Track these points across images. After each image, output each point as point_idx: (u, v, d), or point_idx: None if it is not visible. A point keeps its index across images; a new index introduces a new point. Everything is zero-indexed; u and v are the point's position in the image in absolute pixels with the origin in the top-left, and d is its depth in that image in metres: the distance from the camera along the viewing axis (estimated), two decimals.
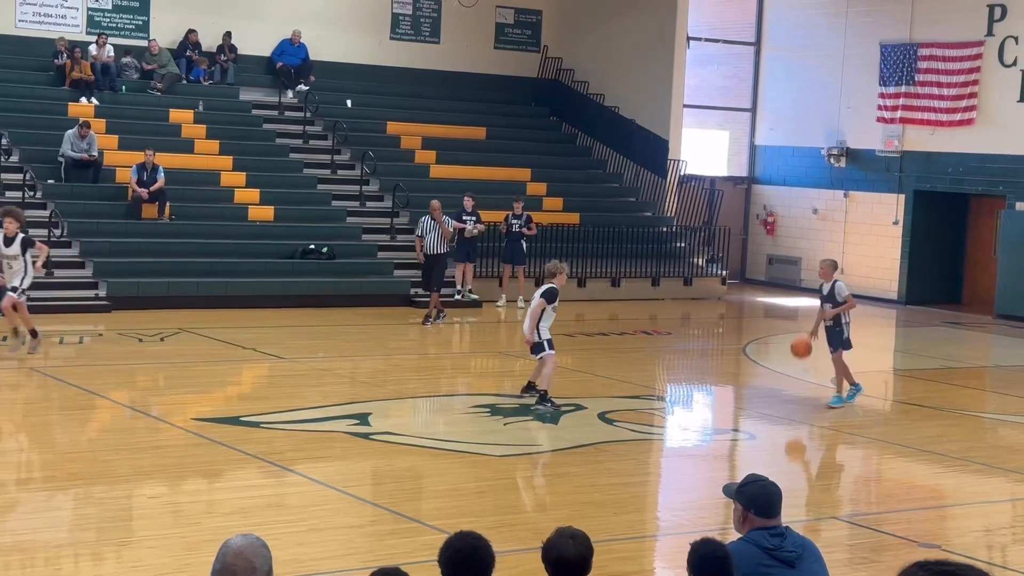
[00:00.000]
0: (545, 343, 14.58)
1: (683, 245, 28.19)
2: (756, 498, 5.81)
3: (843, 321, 15.86)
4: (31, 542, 9.27)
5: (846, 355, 15.79)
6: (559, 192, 28.34)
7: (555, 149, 30.87)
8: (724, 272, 28.29)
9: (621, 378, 17.17)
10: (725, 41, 31.32)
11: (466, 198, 24.02)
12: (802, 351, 15.70)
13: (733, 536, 5.88)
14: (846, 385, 15.84)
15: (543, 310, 14.56)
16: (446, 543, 5.04)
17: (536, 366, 14.98)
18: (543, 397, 14.64)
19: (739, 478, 6.13)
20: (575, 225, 26.78)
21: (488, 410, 14.85)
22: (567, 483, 11.92)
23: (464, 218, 23.71)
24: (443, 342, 21.38)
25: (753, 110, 31.46)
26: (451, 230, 22.47)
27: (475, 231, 23.73)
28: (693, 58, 30.13)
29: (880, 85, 28.02)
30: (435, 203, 22.25)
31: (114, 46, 26.71)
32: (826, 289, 15.94)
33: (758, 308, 27.33)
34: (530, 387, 14.98)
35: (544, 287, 14.81)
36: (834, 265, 16.38)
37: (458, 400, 15.92)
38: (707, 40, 31.00)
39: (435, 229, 21.94)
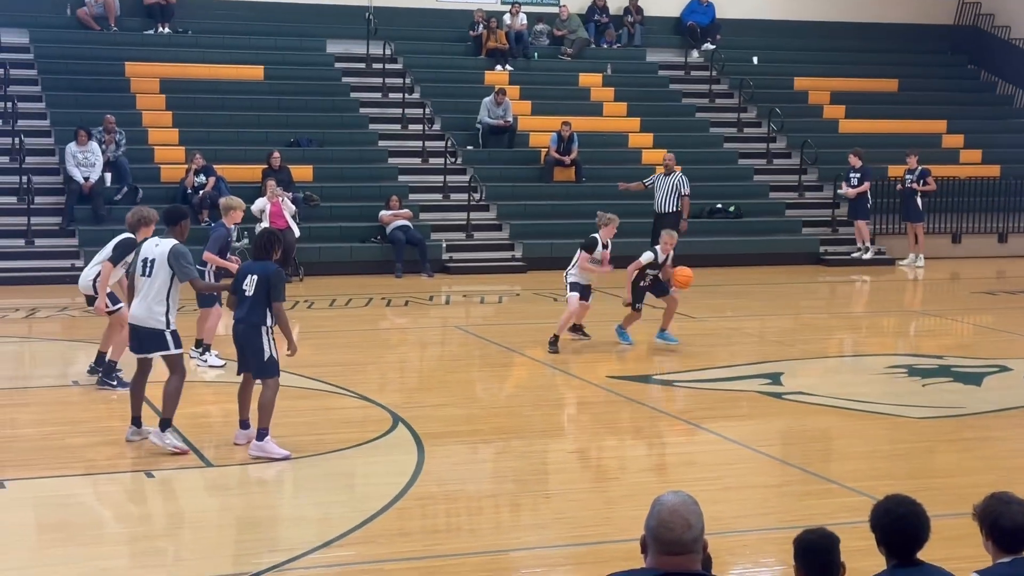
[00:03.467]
0: (568, 286, 15.02)
1: None
2: None
3: None
4: (459, 492, 9.76)
5: None
6: (977, 144, 27.04)
7: (972, 99, 29.46)
8: None
9: None
10: None
11: (851, 156, 23.28)
12: None
13: None
14: None
15: (589, 260, 14.89)
16: (882, 508, 4.90)
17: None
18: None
19: None
20: (994, 178, 25.48)
21: (905, 371, 14.40)
22: (992, 447, 11.42)
23: (850, 175, 22.96)
24: (855, 301, 20.88)
25: None
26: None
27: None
28: None
29: None
30: (669, 154, 21.41)
31: (526, 14, 27.55)
32: None
33: None
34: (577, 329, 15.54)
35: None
36: None
37: (872, 360, 15.51)
38: None
39: (665, 184, 21.07)
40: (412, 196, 23.08)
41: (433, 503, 9.47)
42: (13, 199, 21.35)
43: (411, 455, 10.49)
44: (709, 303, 19.04)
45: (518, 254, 22.64)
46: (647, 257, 15.04)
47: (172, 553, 8.17)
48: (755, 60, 28.73)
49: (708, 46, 28.56)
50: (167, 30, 25.78)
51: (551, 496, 9.82)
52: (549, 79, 27.16)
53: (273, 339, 10.23)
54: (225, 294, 11.28)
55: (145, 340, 10.39)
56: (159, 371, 10.58)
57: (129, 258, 11.50)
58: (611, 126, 25.91)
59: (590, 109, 26.14)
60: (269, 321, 10.17)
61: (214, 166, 21.76)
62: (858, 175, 23.22)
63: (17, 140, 21.71)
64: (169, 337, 10.31)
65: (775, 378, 13.81)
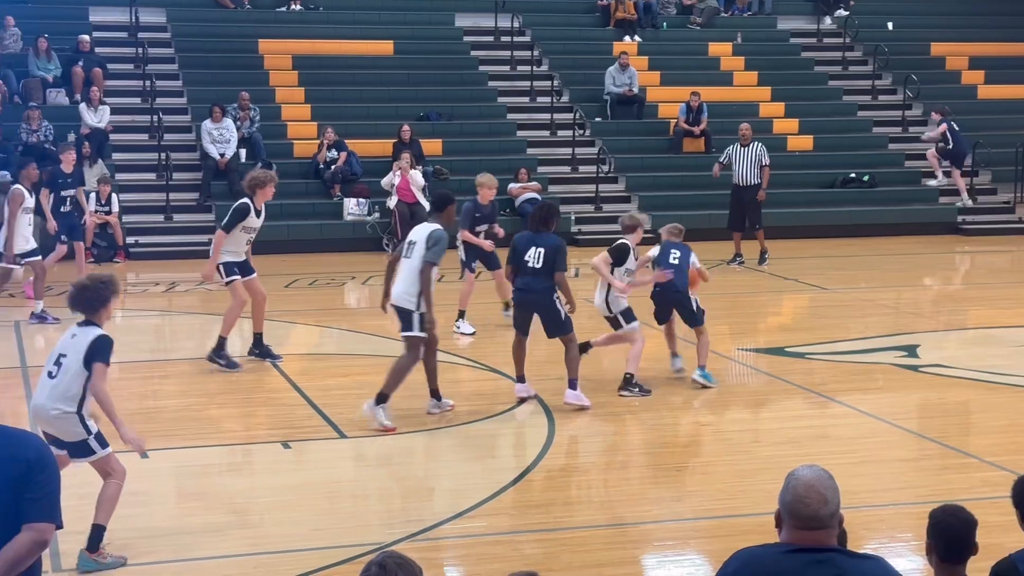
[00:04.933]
0: (619, 316, 11.77)
1: None
2: None
3: None
4: (588, 464, 9.79)
5: None
6: None
7: None
8: None
9: None
10: None
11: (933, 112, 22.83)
12: None
13: None
14: None
15: (627, 278, 11.86)
16: None
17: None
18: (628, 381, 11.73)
19: None
20: None
21: None
22: None
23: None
24: (993, 271, 20.38)
25: None
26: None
27: None
28: None
29: None
30: (745, 124, 20.26)
31: None
32: None
33: None
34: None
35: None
36: None
37: (1011, 332, 15.11)
38: None
39: (745, 156, 19.56)
40: (540, 169, 23.10)
41: (563, 475, 9.51)
42: (152, 175, 21.86)
43: (541, 427, 10.54)
44: (841, 274, 18.77)
45: (647, 226, 22.47)
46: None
47: (309, 523, 8.33)
48: (890, 26, 28.12)
49: (841, 12, 28.04)
50: (299, 7, 26.12)
51: (682, 469, 9.79)
52: (678, 49, 26.93)
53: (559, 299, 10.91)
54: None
55: (400, 319, 10.53)
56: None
57: (249, 222, 12.08)
58: (741, 96, 25.59)
59: (720, 79, 25.86)
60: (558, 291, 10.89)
61: (345, 141, 22.02)
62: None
63: (156, 118, 22.22)
64: (416, 319, 10.41)
65: (911, 350, 13.56)
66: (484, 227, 14.49)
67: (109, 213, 19.83)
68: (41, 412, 7.49)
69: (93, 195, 19.84)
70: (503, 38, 26.06)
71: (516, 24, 26.02)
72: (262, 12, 25.96)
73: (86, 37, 23.36)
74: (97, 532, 7.46)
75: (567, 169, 23.58)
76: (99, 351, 7.48)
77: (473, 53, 25.91)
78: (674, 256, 11.97)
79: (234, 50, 24.50)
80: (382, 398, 10.36)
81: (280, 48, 24.75)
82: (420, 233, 10.62)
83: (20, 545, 4.31)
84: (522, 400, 11.26)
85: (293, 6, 26.12)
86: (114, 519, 7.63)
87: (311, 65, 24.50)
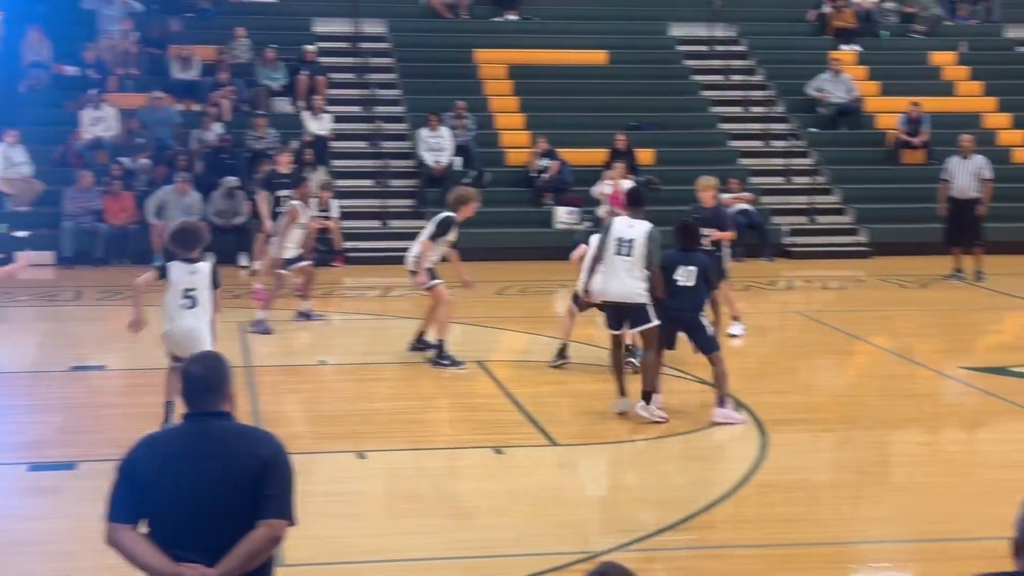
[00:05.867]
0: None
1: None
2: None
3: None
4: (801, 480, 9.63)
5: None
6: None
7: None
8: None
9: None
10: None
11: None
12: None
13: None
14: None
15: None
16: None
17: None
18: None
19: None
20: None
21: None
22: None
23: None
24: None
25: None
26: None
27: None
28: None
29: None
30: (965, 136, 19.42)
31: None
32: None
33: None
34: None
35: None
36: None
37: None
38: None
39: (966, 168, 18.89)
40: (752, 179, 22.85)
41: (775, 491, 9.38)
42: (370, 182, 22.41)
43: (753, 441, 10.42)
44: None
45: (863, 239, 22.06)
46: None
47: (519, 528, 8.42)
48: None
49: None
50: (515, 16, 26.43)
51: (898, 489, 9.55)
52: (897, 58, 26.29)
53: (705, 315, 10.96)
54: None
55: (629, 315, 10.86)
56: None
57: (450, 236, 12.59)
58: (964, 106, 24.83)
59: (941, 88, 25.16)
60: (704, 307, 10.95)
61: (557, 150, 22.18)
62: None
63: (375, 125, 22.76)
64: (650, 311, 10.75)
65: None
66: (709, 231, 14.36)
67: (328, 219, 20.39)
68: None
69: (314, 201, 20.45)
70: (717, 47, 25.87)
71: (731, 34, 25.80)
72: (478, 22, 26.35)
73: (311, 47, 24.10)
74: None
75: (780, 180, 23.27)
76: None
77: (686, 63, 25.80)
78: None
79: (451, 59, 24.93)
80: (647, 396, 10.74)
81: (495, 58, 25.08)
82: (636, 231, 10.78)
83: (256, 540, 4.49)
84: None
85: (509, 16, 26.44)
86: (329, 517, 7.85)
87: (525, 74, 24.75)
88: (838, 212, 22.76)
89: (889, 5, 27.03)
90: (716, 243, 13.92)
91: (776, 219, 22.18)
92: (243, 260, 20.21)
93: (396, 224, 21.60)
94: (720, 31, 25.86)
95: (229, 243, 20.42)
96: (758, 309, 17.65)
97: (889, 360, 14.08)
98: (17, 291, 17.54)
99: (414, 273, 13.08)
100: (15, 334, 15.60)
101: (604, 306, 11.25)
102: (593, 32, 25.96)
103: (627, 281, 10.77)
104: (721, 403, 10.86)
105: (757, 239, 21.22)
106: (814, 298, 18.61)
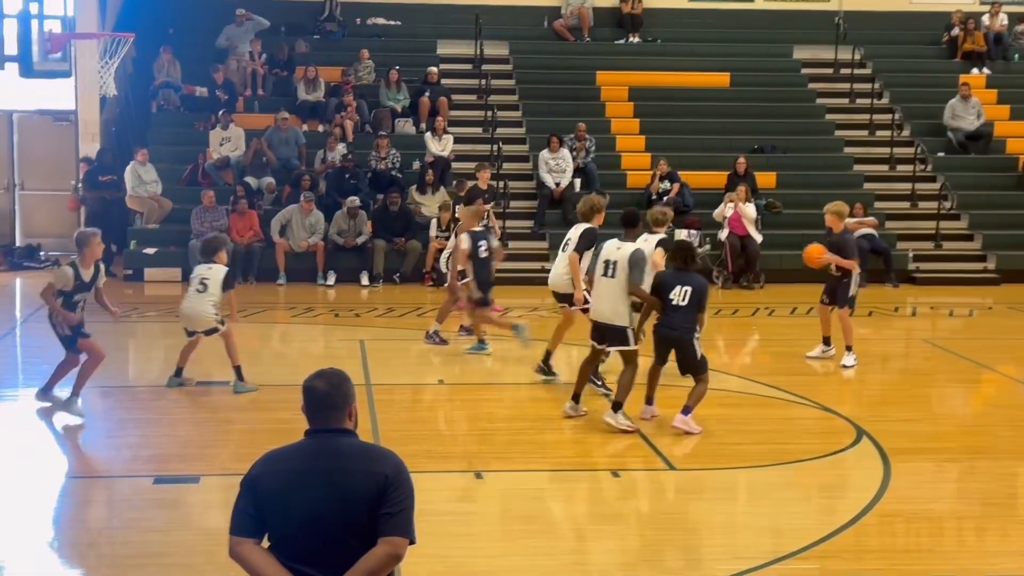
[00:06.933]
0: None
1: None
2: None
3: None
4: (925, 511, 9.42)
5: None
6: None
7: None
8: None
9: None
10: None
11: None
12: None
13: None
14: None
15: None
16: None
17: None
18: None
19: None
20: None
21: None
22: None
23: None
24: None
25: None
26: None
27: None
28: None
29: None
30: None
31: (1007, 14, 26.25)
32: None
33: None
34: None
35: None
36: None
37: None
38: None
39: None
40: (877, 204, 22.51)
41: (900, 521, 9.18)
42: (492, 203, 22.48)
43: (876, 470, 10.24)
44: None
45: (991, 265, 21.58)
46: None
47: (634, 553, 8.36)
48: None
49: None
50: (637, 39, 26.40)
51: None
52: None
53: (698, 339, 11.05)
54: None
55: (608, 334, 11.25)
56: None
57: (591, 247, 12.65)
58: None
59: None
60: (698, 330, 11.02)
61: (678, 172, 22.07)
62: None
63: (496, 147, 22.89)
64: (629, 334, 11.15)
65: None
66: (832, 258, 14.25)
67: (449, 239, 20.49)
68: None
69: (434, 221, 20.61)
70: (843, 70, 25.56)
71: (857, 56, 25.46)
72: (600, 44, 26.37)
73: (434, 69, 24.34)
74: None
75: (906, 205, 22.88)
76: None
77: (811, 86, 25.53)
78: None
79: (572, 81, 24.98)
80: (616, 406, 11.07)
81: (617, 80, 25.07)
82: (621, 254, 11.14)
83: (377, 558, 4.52)
84: (646, 418, 11.52)
85: (631, 39, 26.42)
86: (445, 537, 7.86)
87: (647, 97, 24.69)
88: (966, 238, 22.31)
89: (1021, 28, 26.46)
90: (841, 270, 13.81)
91: (901, 244, 21.80)
92: (364, 279, 20.41)
93: (515, 245, 21.66)
94: (846, 54, 25.54)
95: (352, 261, 20.68)
96: (882, 336, 17.37)
97: (1018, 390, 13.75)
98: (145, 307, 17.93)
99: (559, 296, 13.07)
100: (143, 349, 15.95)
101: (592, 322, 11.48)
102: (716, 55, 25.83)
103: (609, 302, 11.10)
104: (686, 411, 11.05)
105: (881, 264, 20.87)
106: (940, 325, 18.25)
